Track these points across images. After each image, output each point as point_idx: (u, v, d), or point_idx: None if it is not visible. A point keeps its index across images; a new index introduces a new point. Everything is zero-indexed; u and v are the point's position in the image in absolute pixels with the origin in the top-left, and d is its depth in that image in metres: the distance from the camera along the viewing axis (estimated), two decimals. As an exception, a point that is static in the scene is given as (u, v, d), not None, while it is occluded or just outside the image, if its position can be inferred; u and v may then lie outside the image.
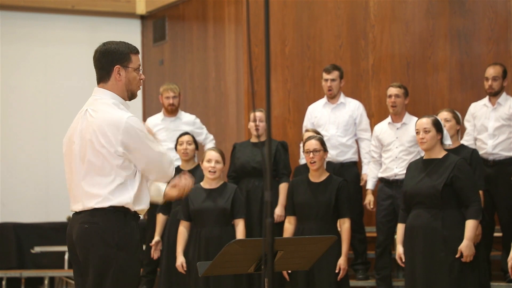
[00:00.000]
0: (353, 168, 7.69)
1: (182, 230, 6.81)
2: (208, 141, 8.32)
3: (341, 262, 6.42)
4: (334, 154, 7.60)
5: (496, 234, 7.26)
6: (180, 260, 6.75)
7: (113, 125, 3.96)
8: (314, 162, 6.49)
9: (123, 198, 3.99)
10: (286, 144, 7.72)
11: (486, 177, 7.00)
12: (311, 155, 6.48)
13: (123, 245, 3.98)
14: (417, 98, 8.26)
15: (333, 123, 7.68)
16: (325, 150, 6.56)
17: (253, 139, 7.61)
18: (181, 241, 6.79)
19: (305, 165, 7.16)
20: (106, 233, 3.97)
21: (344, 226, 6.48)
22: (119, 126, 3.96)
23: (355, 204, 7.52)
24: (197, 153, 7.70)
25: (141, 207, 4.08)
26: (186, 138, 7.43)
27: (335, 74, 7.66)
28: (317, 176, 6.57)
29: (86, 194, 4.01)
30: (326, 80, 7.67)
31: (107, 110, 4.02)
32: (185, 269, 6.72)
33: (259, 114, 7.43)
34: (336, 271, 6.41)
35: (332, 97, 7.72)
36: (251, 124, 7.51)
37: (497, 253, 7.42)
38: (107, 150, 3.97)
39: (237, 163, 7.50)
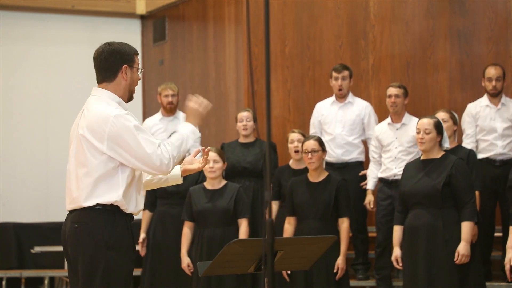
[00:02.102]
0: (358, 168, 7.69)
1: (186, 231, 6.81)
2: (193, 151, 8.13)
3: (339, 262, 6.43)
4: (339, 153, 7.60)
5: (496, 234, 7.26)
6: (186, 261, 6.76)
7: (101, 121, 3.97)
8: (313, 162, 6.50)
9: (111, 196, 3.98)
10: (275, 145, 7.75)
11: (494, 177, 7.02)
12: (309, 155, 6.49)
13: (112, 245, 3.98)
14: (417, 98, 8.26)
15: (340, 122, 7.69)
16: (323, 150, 6.56)
17: (242, 139, 7.63)
18: (185, 242, 6.80)
19: (288, 166, 7.18)
20: (95, 233, 3.97)
21: (343, 225, 6.48)
22: (107, 122, 3.97)
23: (359, 204, 7.52)
24: (187, 155, 7.69)
25: (132, 206, 4.06)
26: None
27: (345, 73, 7.69)
28: (316, 176, 6.58)
29: (75, 192, 4.03)
30: (337, 79, 7.67)
31: (98, 107, 4.03)
32: (191, 270, 6.73)
33: (245, 114, 7.48)
34: (335, 271, 6.41)
35: (342, 97, 7.73)
36: (239, 125, 7.54)
37: (498, 253, 7.42)
38: (94, 147, 3.98)
39: (227, 163, 7.50)
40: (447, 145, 6.14)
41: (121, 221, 4.03)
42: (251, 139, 7.63)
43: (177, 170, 4.35)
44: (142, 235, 7.46)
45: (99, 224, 3.98)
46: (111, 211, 4.00)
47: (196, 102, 4.26)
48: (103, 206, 3.99)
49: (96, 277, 3.97)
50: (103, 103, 4.05)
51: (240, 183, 7.38)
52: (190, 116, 4.26)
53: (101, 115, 3.99)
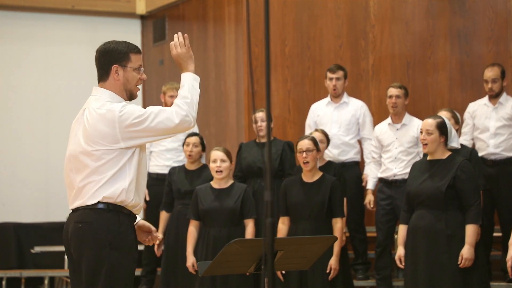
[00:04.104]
0: (355, 168, 7.69)
1: (192, 230, 6.80)
2: None
3: (332, 262, 6.42)
4: (336, 153, 7.60)
5: (496, 234, 7.26)
6: (191, 260, 6.75)
7: (108, 121, 3.97)
8: (307, 162, 6.49)
9: (116, 189, 3.98)
10: (292, 144, 7.72)
11: (487, 177, 7.00)
12: (304, 155, 6.48)
13: (116, 245, 3.98)
14: (417, 98, 8.26)
15: (336, 122, 7.69)
16: (318, 149, 6.55)
17: (258, 139, 7.62)
18: (191, 241, 6.78)
19: None
20: (99, 233, 3.98)
21: (336, 226, 6.46)
22: (114, 120, 3.96)
23: (357, 204, 7.52)
24: (204, 155, 7.68)
25: (135, 200, 4.06)
26: (193, 139, 7.37)
27: (340, 73, 7.69)
28: (310, 176, 6.57)
29: (79, 191, 4.03)
30: (331, 79, 7.68)
31: (100, 108, 4.02)
32: (196, 269, 6.72)
33: (260, 114, 7.44)
34: (327, 271, 6.41)
35: (337, 96, 7.73)
36: (255, 126, 7.52)
37: (497, 253, 7.42)
38: (102, 147, 3.98)
39: (243, 163, 7.50)
40: (454, 144, 6.02)
41: (124, 221, 4.04)
42: (266, 140, 7.60)
43: None
44: (160, 236, 7.45)
45: (103, 224, 3.98)
46: (114, 211, 4.01)
47: (175, 46, 4.14)
48: (107, 205, 4.00)
49: (99, 277, 3.97)
50: (103, 103, 4.04)
51: (256, 183, 7.38)
52: (181, 64, 4.15)
53: (105, 115, 3.98)
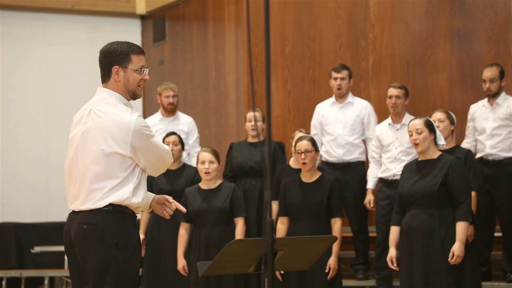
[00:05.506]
0: (360, 168, 7.69)
1: (182, 233, 6.80)
2: (193, 151, 8.14)
3: (331, 261, 6.42)
4: (340, 154, 7.61)
5: (496, 234, 7.26)
6: (182, 263, 6.74)
7: (122, 127, 3.99)
8: (306, 163, 6.49)
9: (121, 195, 4.00)
10: (283, 144, 7.74)
11: (486, 177, 7.00)
12: (303, 156, 6.49)
13: (122, 245, 3.99)
14: (417, 98, 8.26)
15: (340, 122, 7.70)
16: (316, 150, 6.56)
17: (250, 139, 7.62)
18: (181, 243, 6.78)
19: (288, 165, 7.18)
20: (105, 234, 3.98)
21: (335, 225, 6.48)
22: (129, 128, 3.99)
23: (360, 204, 7.52)
24: (184, 153, 7.69)
25: (137, 200, 4.07)
26: (172, 138, 7.40)
27: (344, 73, 7.69)
28: (309, 177, 6.57)
29: (86, 194, 4.02)
30: (336, 79, 7.69)
31: (114, 112, 4.03)
32: (187, 271, 6.72)
33: (256, 114, 7.46)
34: (326, 270, 6.41)
35: (341, 96, 7.74)
36: (248, 125, 7.53)
37: (497, 253, 7.42)
38: (114, 151, 3.98)
39: (234, 162, 7.50)
40: (442, 142, 6.14)
41: (129, 221, 4.06)
42: (260, 139, 7.62)
43: (148, 201, 4.34)
44: (141, 236, 7.46)
45: (109, 225, 3.99)
46: (119, 212, 4.01)
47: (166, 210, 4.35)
48: (112, 206, 4.00)
49: (107, 278, 3.98)
50: (114, 106, 4.05)
51: (247, 182, 7.38)
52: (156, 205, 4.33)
53: (120, 121, 4.00)
